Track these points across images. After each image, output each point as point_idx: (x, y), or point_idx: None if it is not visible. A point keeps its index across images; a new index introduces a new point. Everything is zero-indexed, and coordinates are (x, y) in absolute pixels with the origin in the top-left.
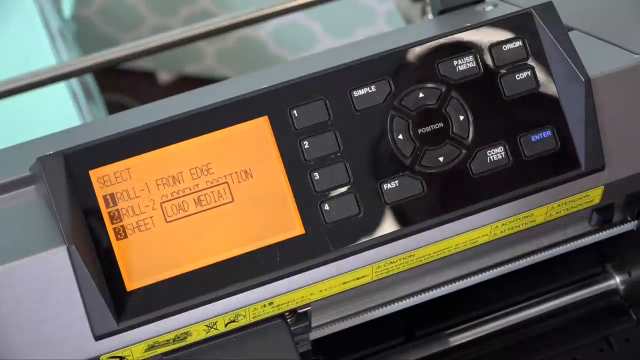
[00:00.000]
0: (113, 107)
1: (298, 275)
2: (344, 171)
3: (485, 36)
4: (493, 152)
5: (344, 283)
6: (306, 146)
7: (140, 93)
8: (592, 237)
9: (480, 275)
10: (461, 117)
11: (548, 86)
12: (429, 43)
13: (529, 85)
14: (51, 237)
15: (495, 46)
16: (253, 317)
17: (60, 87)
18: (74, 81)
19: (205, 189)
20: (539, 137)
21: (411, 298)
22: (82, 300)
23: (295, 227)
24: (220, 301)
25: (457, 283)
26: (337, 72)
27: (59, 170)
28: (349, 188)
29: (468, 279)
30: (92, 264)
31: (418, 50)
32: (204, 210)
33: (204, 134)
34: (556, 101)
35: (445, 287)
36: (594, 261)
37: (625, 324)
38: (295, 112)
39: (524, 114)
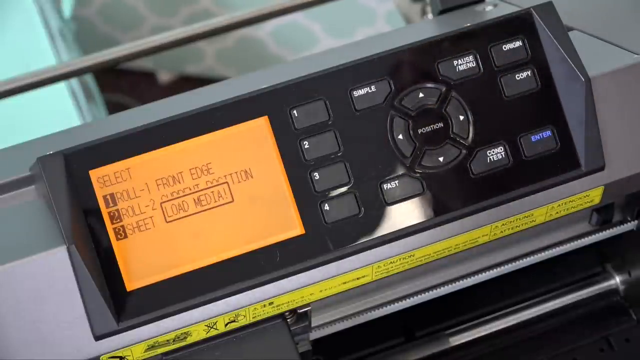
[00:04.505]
0: (113, 107)
1: (298, 275)
2: (344, 171)
3: (485, 36)
4: (493, 152)
5: (344, 283)
6: (306, 146)
7: (140, 93)
8: (592, 237)
9: (480, 275)
10: (461, 117)
11: (548, 86)
12: (429, 43)
13: (529, 85)
14: (51, 237)
15: (495, 46)
16: (253, 317)
17: (60, 87)
18: (74, 81)
19: (205, 189)
20: (539, 137)
21: (411, 298)
22: (82, 300)
23: (295, 227)
24: (220, 301)
25: (457, 283)
26: (337, 72)
27: (59, 170)
28: (349, 188)
29: (468, 279)
30: (92, 264)
31: (418, 50)
32: (204, 210)
33: (204, 134)
34: (556, 101)
35: (445, 287)
36: (594, 261)
37: (625, 324)
38: (295, 112)
39: (524, 114)
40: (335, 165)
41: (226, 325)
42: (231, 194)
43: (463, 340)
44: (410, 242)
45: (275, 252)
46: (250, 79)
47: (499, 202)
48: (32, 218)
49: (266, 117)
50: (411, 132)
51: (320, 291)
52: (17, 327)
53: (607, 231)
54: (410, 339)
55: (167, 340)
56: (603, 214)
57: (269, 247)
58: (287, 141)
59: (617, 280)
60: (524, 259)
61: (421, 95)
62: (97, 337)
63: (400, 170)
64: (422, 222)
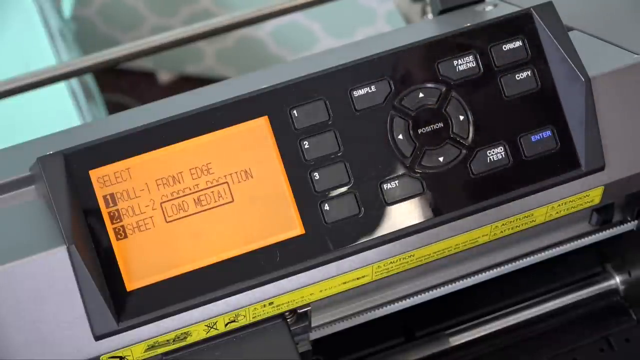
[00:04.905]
0: (113, 107)
1: (298, 275)
2: (344, 171)
3: (485, 36)
4: (493, 152)
5: (344, 283)
6: (306, 146)
7: (140, 93)
8: (592, 237)
9: (480, 275)
10: (461, 117)
11: (548, 86)
12: (429, 43)
13: (529, 85)
14: (51, 237)
15: (495, 46)
16: (253, 317)
17: (60, 87)
18: (74, 81)
19: (205, 189)
20: (539, 137)
21: (411, 298)
22: (82, 300)
23: (295, 227)
24: (220, 301)
25: (457, 283)
26: (337, 72)
27: (59, 170)
28: (349, 188)
29: (468, 279)
30: (92, 264)
31: (418, 50)
32: (204, 210)
33: (204, 134)
34: (556, 101)
35: (445, 287)
36: (594, 261)
37: (625, 324)
38: (295, 112)
39: (524, 114)
40: (335, 165)
41: (226, 325)
42: (231, 194)
43: (463, 340)
44: (410, 242)
45: (275, 252)
46: (250, 79)
47: (499, 202)
48: (32, 218)
49: (266, 117)
50: (411, 132)
51: (320, 291)
52: (17, 327)
53: (607, 231)
54: (410, 339)
55: (167, 340)
56: (603, 214)
57: (269, 247)
58: (287, 141)
59: (617, 280)
60: (524, 259)
61: (421, 95)
62: (97, 337)
63: (400, 170)
64: (422, 222)
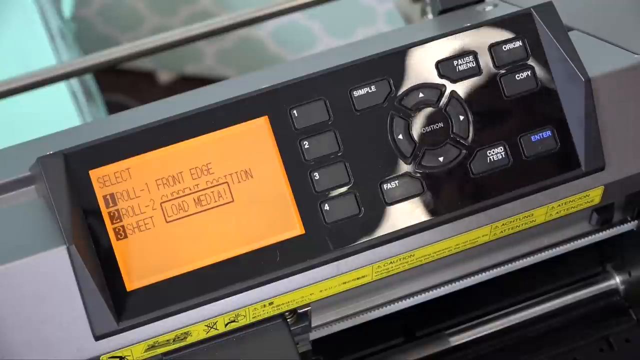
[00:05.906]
0: (113, 107)
1: (298, 275)
2: (344, 171)
3: (485, 36)
4: (493, 152)
5: (344, 283)
6: (306, 146)
7: (140, 93)
8: (592, 237)
9: (480, 275)
10: (461, 117)
11: (548, 86)
12: (429, 43)
13: (529, 85)
14: (51, 237)
15: (495, 46)
16: (253, 317)
17: (60, 87)
18: (74, 81)
19: (205, 189)
20: (539, 137)
21: (411, 298)
22: (82, 300)
23: (295, 227)
24: (220, 301)
25: (457, 283)
26: (337, 72)
27: (59, 170)
28: (349, 188)
29: (468, 279)
30: (92, 264)
31: (418, 50)
32: (204, 210)
33: (204, 134)
34: (556, 101)
35: (445, 287)
36: (594, 261)
37: (625, 324)
38: (295, 112)
39: (524, 114)
40: (335, 165)
41: (226, 325)
42: (231, 194)
43: (463, 340)
44: (410, 242)
45: (275, 252)
46: (250, 79)
47: (499, 202)
48: (32, 218)
49: (266, 117)
50: (411, 132)
51: (320, 291)
52: (18, 327)
53: (607, 231)
54: (410, 339)
55: (167, 340)
56: (603, 214)
57: (269, 247)
58: (287, 141)
59: (617, 280)
60: (524, 259)
61: (421, 95)
62: (97, 337)
63: (400, 170)
64: (422, 222)
